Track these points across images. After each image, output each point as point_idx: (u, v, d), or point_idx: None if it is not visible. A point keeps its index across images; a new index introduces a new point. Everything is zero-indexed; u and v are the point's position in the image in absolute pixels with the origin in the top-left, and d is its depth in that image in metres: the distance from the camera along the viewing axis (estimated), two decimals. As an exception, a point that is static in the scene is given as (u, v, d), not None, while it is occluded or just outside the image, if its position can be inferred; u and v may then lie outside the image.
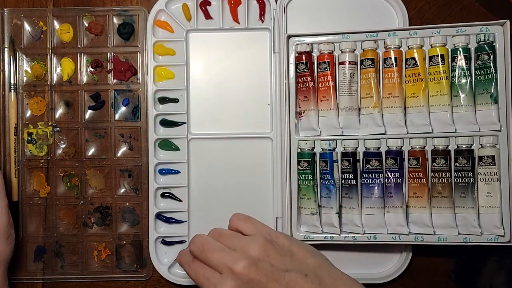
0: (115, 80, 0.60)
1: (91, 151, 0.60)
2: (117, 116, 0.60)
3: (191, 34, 0.60)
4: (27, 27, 0.60)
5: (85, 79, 0.60)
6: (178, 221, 0.60)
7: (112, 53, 0.60)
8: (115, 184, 0.60)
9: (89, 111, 0.60)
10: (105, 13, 0.60)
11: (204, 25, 0.60)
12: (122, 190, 0.60)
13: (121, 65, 0.60)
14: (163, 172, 0.60)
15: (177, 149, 0.60)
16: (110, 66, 0.60)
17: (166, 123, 0.60)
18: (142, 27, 0.60)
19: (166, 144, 0.60)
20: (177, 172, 0.60)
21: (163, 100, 0.60)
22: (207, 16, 0.60)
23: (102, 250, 0.60)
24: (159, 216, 0.59)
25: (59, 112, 0.61)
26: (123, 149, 0.61)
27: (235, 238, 0.44)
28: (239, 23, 0.60)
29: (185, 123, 0.60)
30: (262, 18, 0.60)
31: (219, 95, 0.60)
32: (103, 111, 0.60)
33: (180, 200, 0.60)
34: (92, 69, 0.60)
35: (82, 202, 0.60)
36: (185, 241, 0.59)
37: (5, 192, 0.55)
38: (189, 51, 0.60)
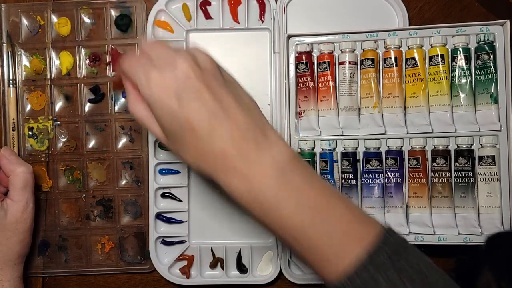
0: (114, 72, 0.60)
1: (91, 144, 0.60)
2: (116, 108, 0.60)
3: (191, 34, 0.60)
4: (24, 22, 0.60)
5: (84, 72, 0.60)
6: (178, 221, 0.60)
7: (111, 45, 0.60)
8: (116, 176, 0.60)
9: (89, 104, 0.60)
10: (102, 5, 0.60)
11: (204, 25, 0.60)
12: (124, 182, 0.60)
13: (120, 57, 0.59)
14: (163, 172, 0.60)
15: (177, 149, 0.60)
16: (108, 58, 0.60)
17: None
18: (140, 18, 0.60)
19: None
20: (177, 172, 0.60)
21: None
22: (207, 16, 0.60)
23: (105, 243, 0.60)
24: (159, 216, 0.59)
25: (59, 106, 0.60)
26: (123, 141, 0.60)
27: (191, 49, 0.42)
28: (239, 23, 0.60)
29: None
30: (262, 18, 0.60)
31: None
32: (102, 103, 0.60)
33: (180, 200, 0.60)
34: (90, 62, 0.60)
35: (84, 195, 0.60)
36: (185, 241, 0.59)
37: (33, 188, 0.56)
38: (189, 51, 0.60)
